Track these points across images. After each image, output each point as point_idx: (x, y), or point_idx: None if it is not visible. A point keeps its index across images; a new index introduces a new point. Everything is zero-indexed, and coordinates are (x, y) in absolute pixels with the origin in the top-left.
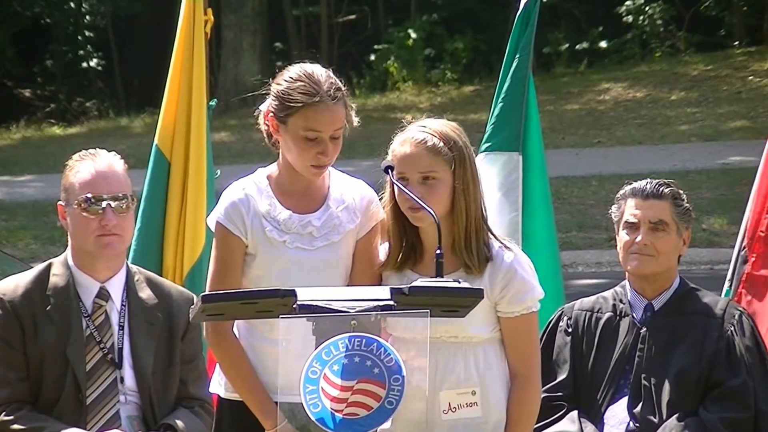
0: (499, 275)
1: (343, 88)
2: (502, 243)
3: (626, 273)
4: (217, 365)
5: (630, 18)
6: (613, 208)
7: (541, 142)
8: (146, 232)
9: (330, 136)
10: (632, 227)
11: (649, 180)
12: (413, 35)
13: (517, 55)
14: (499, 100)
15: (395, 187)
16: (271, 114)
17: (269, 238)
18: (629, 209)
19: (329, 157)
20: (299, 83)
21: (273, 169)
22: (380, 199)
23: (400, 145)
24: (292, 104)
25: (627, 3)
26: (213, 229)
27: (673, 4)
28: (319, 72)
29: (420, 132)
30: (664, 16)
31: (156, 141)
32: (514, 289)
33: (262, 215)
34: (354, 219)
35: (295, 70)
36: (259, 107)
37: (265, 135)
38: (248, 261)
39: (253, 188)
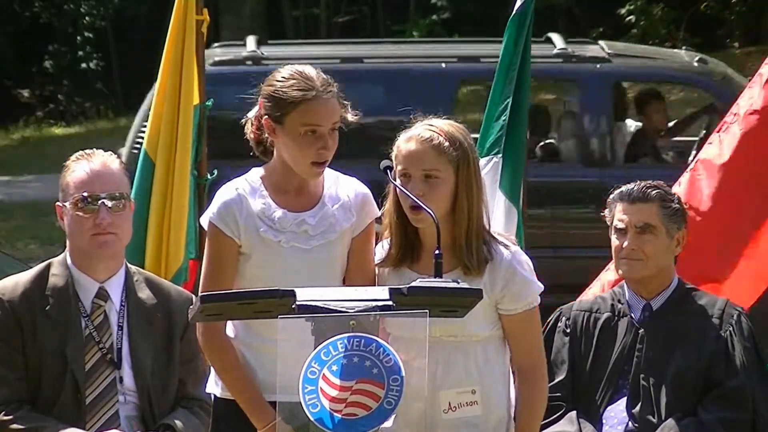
0: (499, 274)
1: (334, 83)
2: (500, 241)
3: None
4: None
5: (633, 18)
6: (606, 212)
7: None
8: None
9: (329, 129)
10: (620, 232)
11: (636, 183)
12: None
13: (519, 58)
14: (504, 102)
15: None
16: (266, 116)
17: (263, 238)
18: (617, 214)
19: (329, 151)
20: (292, 81)
21: (267, 168)
22: (383, 198)
23: (405, 141)
24: (287, 101)
25: (629, 5)
26: (206, 228)
27: (674, 7)
28: (310, 69)
29: (426, 130)
30: (665, 17)
31: (144, 145)
32: (515, 287)
33: (256, 215)
34: (350, 217)
35: (285, 71)
36: (246, 115)
37: (253, 143)
38: (243, 261)
39: (247, 188)
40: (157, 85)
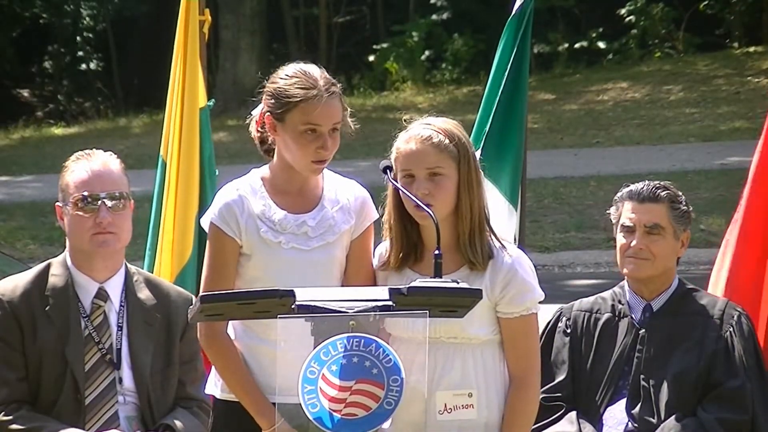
0: (500, 275)
1: (337, 84)
2: (502, 243)
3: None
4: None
5: (632, 18)
6: (611, 209)
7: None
8: (151, 235)
9: (329, 129)
10: (628, 231)
11: (646, 183)
12: (415, 35)
13: (514, 58)
14: (498, 102)
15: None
16: (268, 113)
17: (264, 239)
18: (626, 212)
19: (329, 151)
20: (295, 79)
21: (267, 170)
22: (383, 198)
23: (405, 142)
24: (289, 100)
25: (629, 5)
26: (207, 229)
27: (674, 7)
28: (314, 69)
29: (425, 129)
30: (665, 17)
31: (161, 152)
32: (515, 289)
33: (257, 216)
34: (349, 219)
35: (290, 69)
36: (251, 113)
37: (257, 142)
38: (243, 262)
39: (247, 189)
40: (169, 87)
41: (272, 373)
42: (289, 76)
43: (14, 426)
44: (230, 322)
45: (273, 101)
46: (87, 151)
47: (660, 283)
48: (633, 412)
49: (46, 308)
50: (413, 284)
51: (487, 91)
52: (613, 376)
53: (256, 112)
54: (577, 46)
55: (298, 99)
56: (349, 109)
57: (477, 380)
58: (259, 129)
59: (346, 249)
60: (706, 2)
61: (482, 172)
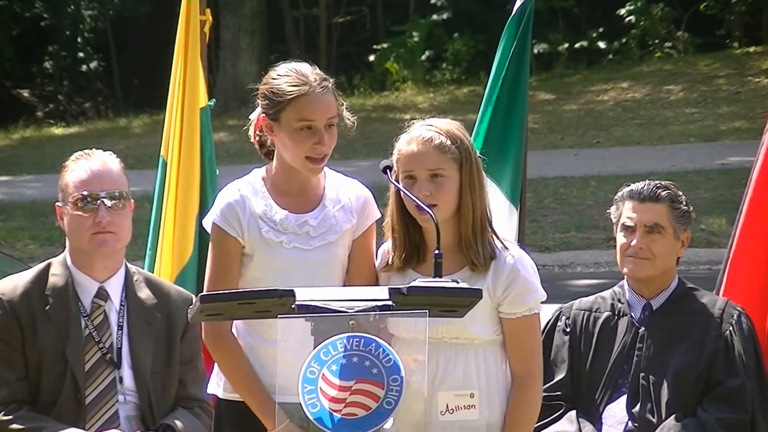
0: (502, 276)
1: (330, 79)
2: (504, 244)
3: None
4: (215, 366)
5: (632, 18)
6: (612, 209)
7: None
8: (151, 235)
9: (324, 124)
10: (629, 230)
11: (647, 182)
12: (415, 36)
13: (514, 58)
14: (498, 103)
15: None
16: (263, 114)
17: (266, 239)
18: (626, 212)
19: (326, 146)
20: (286, 77)
21: (268, 170)
22: (385, 198)
23: (407, 143)
24: (282, 98)
25: (629, 5)
26: (209, 230)
27: (674, 7)
28: (305, 66)
29: (427, 130)
30: (665, 17)
31: (162, 152)
32: (517, 289)
33: (258, 216)
34: (350, 219)
35: (281, 68)
36: (249, 117)
37: (256, 145)
38: (245, 262)
39: (249, 189)
40: (170, 87)
41: (275, 372)
42: (281, 75)
43: (14, 426)
44: (234, 322)
45: (267, 102)
46: (86, 151)
47: (660, 282)
48: (633, 410)
49: (46, 308)
50: (413, 284)
51: (487, 91)
52: (613, 374)
53: (253, 116)
54: (577, 46)
55: (291, 96)
56: (345, 104)
57: (479, 381)
58: (258, 132)
59: (347, 248)
60: (706, 2)
61: (484, 173)
